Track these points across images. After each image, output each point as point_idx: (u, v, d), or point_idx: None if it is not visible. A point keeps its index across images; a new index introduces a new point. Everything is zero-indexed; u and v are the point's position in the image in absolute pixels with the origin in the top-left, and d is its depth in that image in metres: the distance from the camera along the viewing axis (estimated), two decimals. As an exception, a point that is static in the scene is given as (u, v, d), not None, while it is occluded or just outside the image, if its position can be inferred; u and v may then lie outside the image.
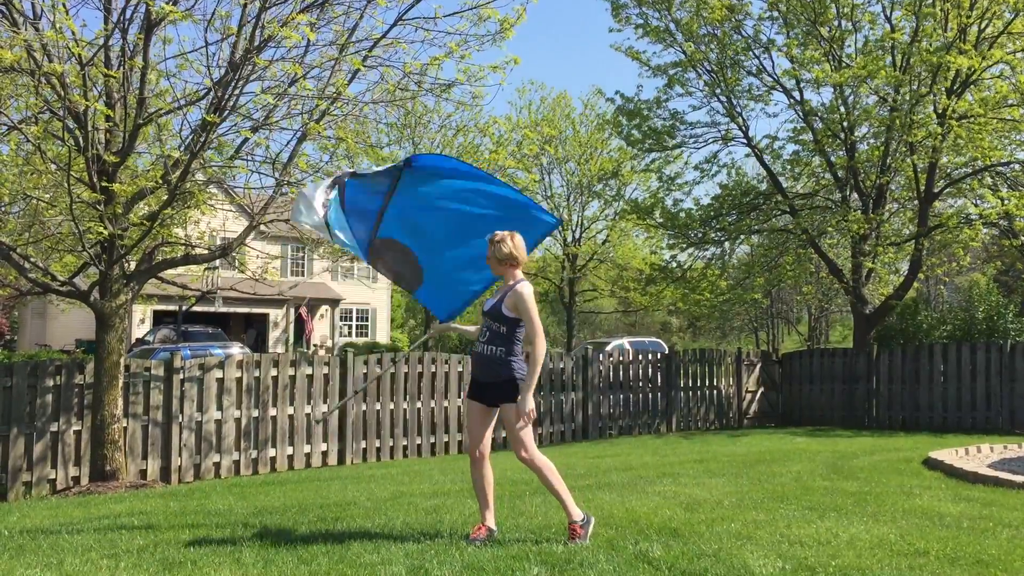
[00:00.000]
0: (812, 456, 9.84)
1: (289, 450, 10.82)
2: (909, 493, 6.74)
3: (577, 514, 4.87)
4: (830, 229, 19.45)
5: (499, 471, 8.77)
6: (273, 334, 37.34)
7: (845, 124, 17.52)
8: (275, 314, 37.33)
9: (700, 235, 19.83)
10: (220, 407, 10.29)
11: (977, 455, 9.50)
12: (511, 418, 4.85)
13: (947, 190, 18.16)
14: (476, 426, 5.02)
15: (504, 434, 12.50)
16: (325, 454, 11.13)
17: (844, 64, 17.45)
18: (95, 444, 9.12)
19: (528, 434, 4.86)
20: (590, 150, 33.69)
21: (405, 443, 11.83)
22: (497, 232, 5.02)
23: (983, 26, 15.97)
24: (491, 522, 5.00)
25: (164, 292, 14.34)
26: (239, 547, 4.86)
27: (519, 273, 5.01)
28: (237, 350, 23.39)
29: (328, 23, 9.01)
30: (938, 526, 5.38)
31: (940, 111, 15.88)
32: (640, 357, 15.42)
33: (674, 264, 21.03)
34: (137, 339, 29.08)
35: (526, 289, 4.90)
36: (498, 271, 5.05)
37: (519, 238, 5.02)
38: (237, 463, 10.40)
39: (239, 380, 10.46)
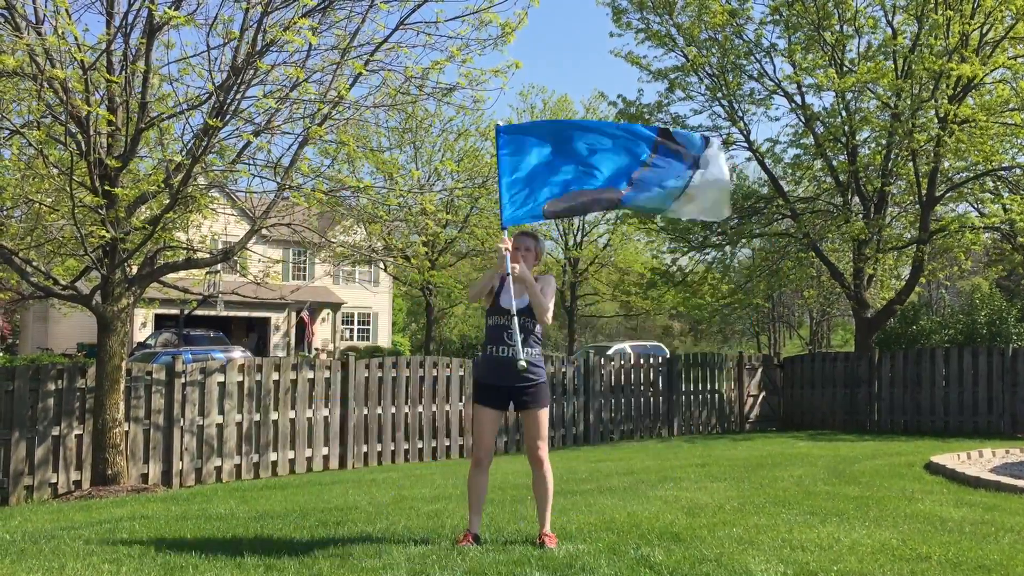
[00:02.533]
0: (814, 460, 9.83)
1: (290, 454, 10.82)
2: (911, 498, 6.73)
3: (550, 526, 4.97)
4: (831, 234, 19.43)
5: (501, 475, 8.77)
6: (275, 338, 37.38)
7: (847, 128, 17.51)
8: (277, 318, 37.36)
9: (701, 239, 19.82)
10: (222, 411, 10.30)
11: (979, 459, 9.49)
12: (540, 421, 4.90)
13: (948, 194, 18.15)
14: (487, 433, 4.98)
15: (505, 439, 12.51)
16: (327, 458, 11.13)
17: (846, 69, 17.45)
18: (96, 448, 9.12)
19: (547, 438, 5.01)
20: (591, 154, 33.66)
21: (407, 447, 11.83)
22: (527, 238, 5.16)
23: (985, 30, 15.97)
24: (477, 528, 5.01)
25: (166, 296, 14.34)
26: (240, 551, 4.86)
27: None
28: (239, 354, 23.39)
29: (330, 27, 9.02)
30: (940, 531, 5.37)
31: (942, 116, 15.88)
32: (642, 361, 15.41)
33: (675, 268, 21.02)
34: (139, 343, 29.11)
35: (551, 276, 5.19)
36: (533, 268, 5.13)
37: None
38: (239, 467, 10.40)
39: (241, 384, 10.47)
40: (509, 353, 4.81)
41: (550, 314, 4.97)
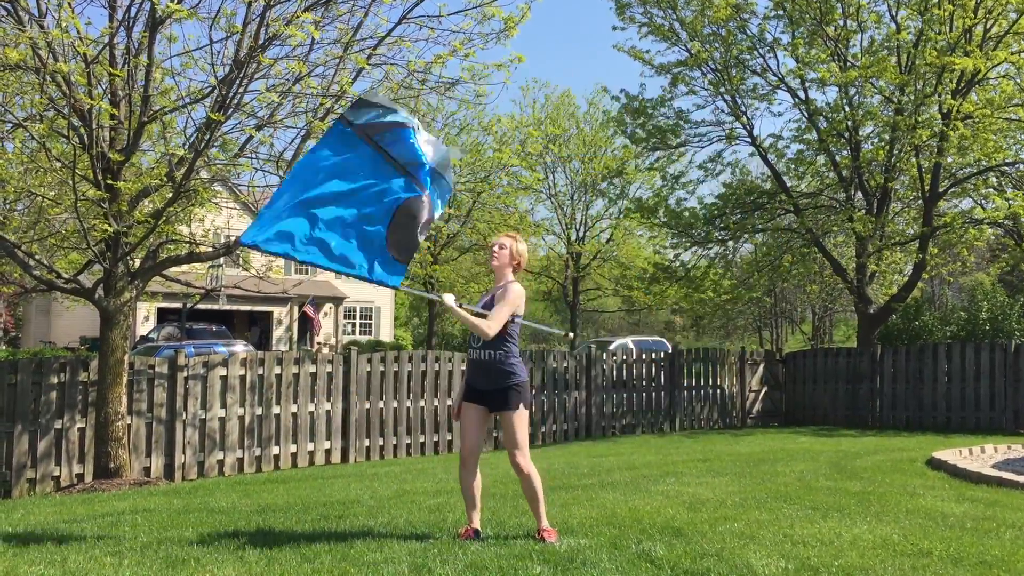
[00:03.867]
0: (815, 456, 9.83)
1: (292, 448, 10.83)
2: (912, 493, 6.73)
3: (547, 521, 4.95)
4: (835, 229, 19.40)
5: (502, 470, 8.77)
6: (277, 332, 37.40)
7: (850, 123, 17.48)
8: (279, 312, 37.39)
9: (704, 234, 19.81)
10: (224, 405, 10.31)
11: (981, 455, 9.48)
12: (514, 425, 4.85)
13: (952, 190, 18.12)
14: (472, 430, 4.97)
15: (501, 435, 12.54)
16: (328, 452, 11.15)
17: (849, 64, 17.42)
18: (99, 441, 9.14)
19: (527, 441, 4.92)
20: (594, 149, 33.66)
21: (408, 441, 11.84)
22: (504, 237, 5.03)
23: (988, 25, 15.93)
24: (477, 523, 5.01)
25: (168, 290, 14.37)
26: (242, 545, 4.87)
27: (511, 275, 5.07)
28: (241, 348, 23.41)
29: (333, 21, 9.02)
30: (941, 526, 5.37)
31: (945, 111, 15.85)
32: (643, 356, 15.41)
33: (677, 263, 21.01)
34: (141, 336, 29.14)
35: (517, 285, 4.97)
36: (502, 275, 5.02)
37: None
38: (241, 461, 10.41)
39: (243, 378, 10.48)
40: (479, 356, 4.90)
41: (492, 331, 4.79)
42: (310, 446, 10.99)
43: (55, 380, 9.25)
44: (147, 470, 9.68)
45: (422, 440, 11.99)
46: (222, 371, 10.34)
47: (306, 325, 37.41)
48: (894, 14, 17.31)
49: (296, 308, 36.84)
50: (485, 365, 4.88)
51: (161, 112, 9.01)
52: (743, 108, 19.08)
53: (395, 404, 11.74)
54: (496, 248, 5.03)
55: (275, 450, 10.68)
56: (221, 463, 10.26)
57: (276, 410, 10.70)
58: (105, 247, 9.30)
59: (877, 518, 5.62)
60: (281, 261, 12.57)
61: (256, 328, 37.52)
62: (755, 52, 18.54)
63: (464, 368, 12.44)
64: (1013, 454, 9.61)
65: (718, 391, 15.97)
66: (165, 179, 8.93)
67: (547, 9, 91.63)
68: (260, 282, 12.38)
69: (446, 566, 4.24)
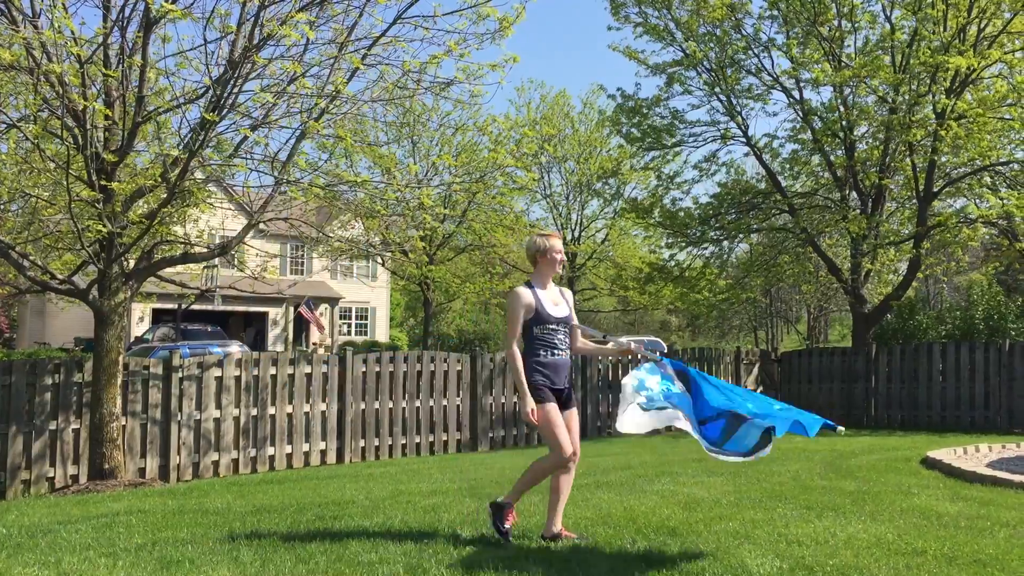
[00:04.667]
0: (810, 455, 9.85)
1: (288, 448, 10.82)
2: (907, 492, 6.74)
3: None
4: (829, 228, 19.44)
5: (498, 469, 8.78)
6: (272, 332, 37.37)
7: (844, 123, 17.52)
8: (274, 312, 37.35)
9: (699, 234, 19.83)
10: (219, 405, 10.29)
11: (975, 454, 9.50)
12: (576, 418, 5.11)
13: (946, 189, 18.16)
14: (570, 429, 5.01)
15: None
16: (324, 452, 11.13)
17: (844, 64, 17.45)
18: (94, 442, 9.12)
19: None
20: (589, 149, 33.69)
21: (404, 442, 11.83)
22: (551, 233, 5.18)
23: (982, 25, 15.97)
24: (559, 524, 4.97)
25: (163, 290, 14.34)
26: (237, 546, 4.86)
27: None
28: (236, 348, 23.39)
29: (327, 21, 9.01)
30: (936, 525, 5.38)
31: (939, 111, 15.89)
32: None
33: (672, 263, 21.02)
34: (136, 337, 29.09)
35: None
36: (549, 274, 5.14)
37: None
38: (236, 461, 10.40)
39: (238, 378, 10.46)
40: (567, 359, 5.09)
41: None
42: (305, 447, 10.98)
43: (50, 381, 9.23)
44: (142, 471, 9.66)
45: (417, 441, 11.98)
46: (217, 372, 10.33)
47: (302, 325, 37.38)
48: (888, 14, 17.35)
49: (292, 309, 36.80)
50: (566, 366, 5.10)
51: (155, 112, 8.98)
52: (738, 108, 19.11)
53: (390, 405, 11.73)
54: (560, 255, 5.15)
55: (270, 451, 10.67)
56: (216, 464, 10.24)
57: (271, 411, 10.69)
58: (99, 248, 9.28)
59: (872, 517, 5.63)
60: (276, 261, 12.58)
61: (251, 329, 37.49)
62: (750, 52, 18.57)
63: (460, 369, 12.46)
64: (1007, 453, 9.63)
65: (713, 391, 15.95)
66: (159, 180, 8.91)
67: (542, 9, 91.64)
68: (255, 283, 12.36)
69: (441, 566, 4.24)
